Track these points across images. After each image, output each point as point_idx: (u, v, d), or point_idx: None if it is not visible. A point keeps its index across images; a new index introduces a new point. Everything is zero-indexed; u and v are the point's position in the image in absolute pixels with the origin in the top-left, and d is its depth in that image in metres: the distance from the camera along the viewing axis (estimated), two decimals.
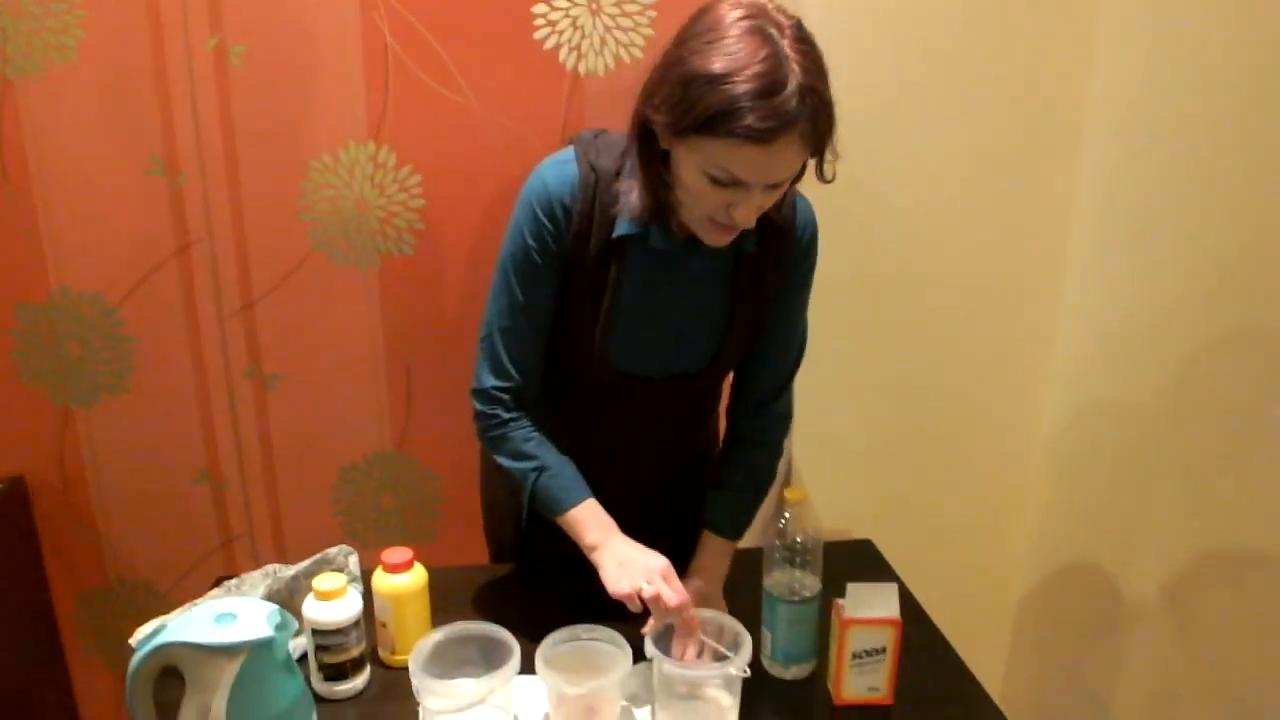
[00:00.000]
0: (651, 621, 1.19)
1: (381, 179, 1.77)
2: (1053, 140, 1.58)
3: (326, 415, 1.91)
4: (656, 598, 1.15)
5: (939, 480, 1.73)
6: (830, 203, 1.54)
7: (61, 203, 1.72)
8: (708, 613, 1.22)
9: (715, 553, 1.38)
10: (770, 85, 1.01)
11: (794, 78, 1.02)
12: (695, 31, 1.07)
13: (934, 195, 1.58)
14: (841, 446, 1.70)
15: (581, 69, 1.73)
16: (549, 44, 1.73)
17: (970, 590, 1.77)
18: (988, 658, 1.80)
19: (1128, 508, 1.48)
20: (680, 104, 1.05)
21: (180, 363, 1.85)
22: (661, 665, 1.15)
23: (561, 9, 1.71)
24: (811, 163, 1.15)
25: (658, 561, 1.20)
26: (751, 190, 1.09)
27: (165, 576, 1.96)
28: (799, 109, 1.02)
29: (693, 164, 1.09)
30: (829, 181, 1.16)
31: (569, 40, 1.72)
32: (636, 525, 1.28)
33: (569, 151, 1.28)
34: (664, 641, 1.19)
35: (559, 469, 1.30)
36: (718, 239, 1.17)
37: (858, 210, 1.56)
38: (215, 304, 1.81)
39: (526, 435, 1.31)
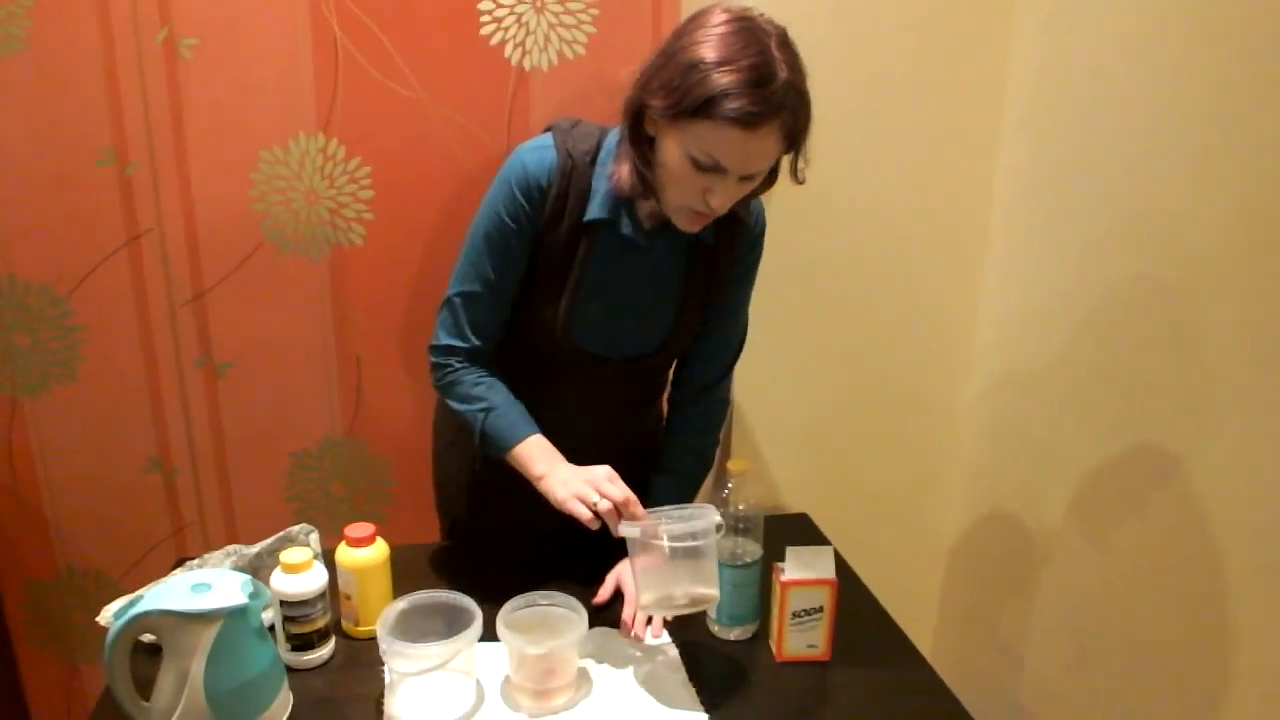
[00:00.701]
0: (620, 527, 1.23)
1: (331, 170, 1.81)
2: (973, 139, 1.68)
3: (278, 403, 1.94)
4: (611, 509, 1.21)
5: (870, 456, 1.83)
6: (770, 194, 1.64)
7: (9, 192, 1.73)
8: (668, 507, 1.27)
9: None
10: (761, 76, 1.12)
11: (782, 72, 1.13)
12: (692, 28, 1.18)
13: (866, 188, 1.68)
14: (779, 426, 1.78)
15: (526, 64, 1.79)
16: (495, 39, 1.78)
17: (900, 559, 1.88)
18: (918, 620, 1.91)
19: (1041, 472, 1.59)
20: (680, 87, 1.15)
21: (130, 352, 1.86)
22: (634, 533, 1.21)
23: (507, 6, 1.76)
24: (787, 169, 1.25)
25: (600, 470, 1.27)
26: (729, 178, 1.19)
27: (116, 565, 1.97)
28: (784, 100, 1.13)
29: (679, 148, 1.18)
30: (801, 183, 1.27)
31: (514, 36, 1.78)
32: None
33: (547, 138, 1.36)
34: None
35: (506, 409, 1.37)
36: (691, 225, 1.27)
37: (796, 202, 1.65)
38: (166, 294, 1.83)
39: (476, 380, 1.39)
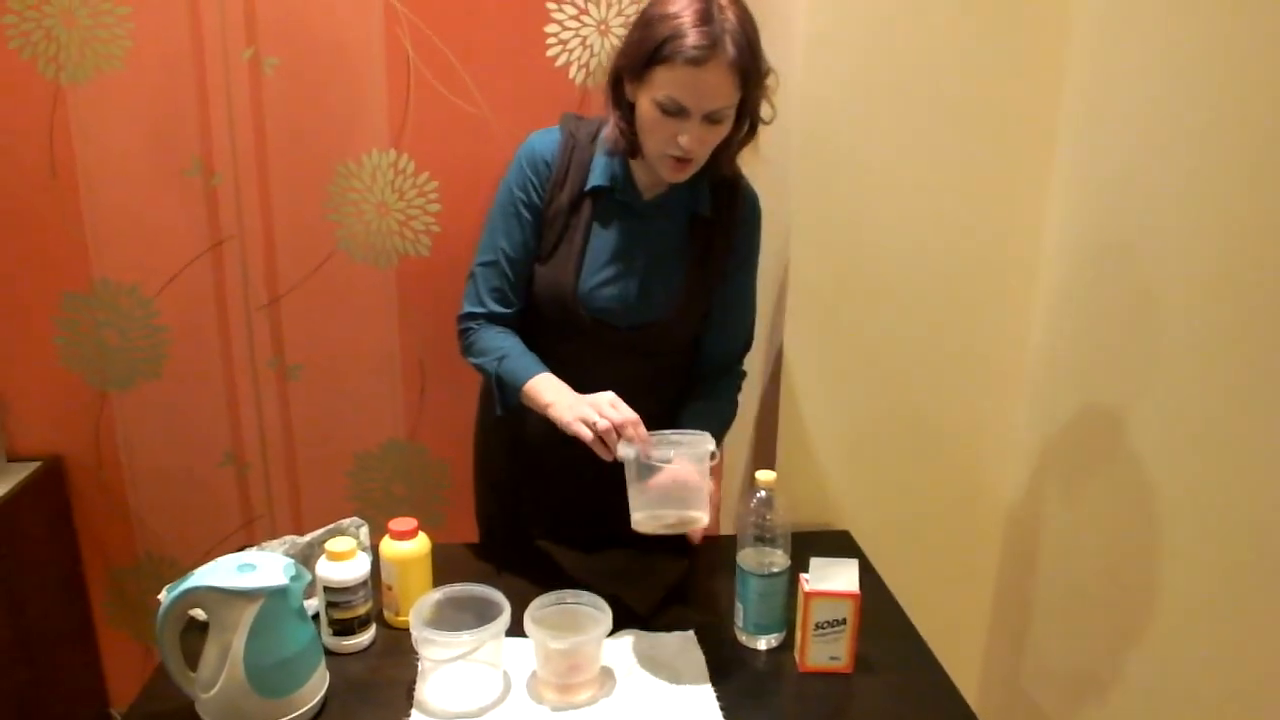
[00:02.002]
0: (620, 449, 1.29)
1: (401, 184, 1.90)
2: (1026, 152, 1.66)
3: (344, 404, 2.03)
4: (609, 428, 1.28)
5: (916, 475, 1.81)
6: (815, 211, 1.66)
7: (105, 200, 1.86)
8: (667, 432, 1.32)
9: None
10: (701, 17, 1.27)
11: (722, 14, 1.28)
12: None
13: (912, 203, 1.67)
14: (823, 443, 1.79)
15: (590, 84, 1.86)
16: (559, 61, 1.85)
17: (947, 580, 1.86)
18: (965, 646, 1.89)
19: (1099, 494, 1.56)
20: (639, 42, 1.32)
21: (209, 352, 1.98)
22: (630, 453, 1.27)
23: (572, 29, 1.83)
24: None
25: (604, 395, 1.33)
26: (693, 119, 1.31)
27: (190, 554, 2.08)
28: (725, 36, 1.27)
29: (647, 99, 1.33)
30: (767, 123, 1.41)
31: (578, 58, 1.85)
32: (604, 476, 1.36)
33: (555, 125, 1.52)
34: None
35: (518, 354, 1.47)
36: (674, 173, 1.39)
37: (840, 217, 1.67)
38: (243, 297, 1.95)
39: (490, 332, 1.51)
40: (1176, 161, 1.36)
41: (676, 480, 1.28)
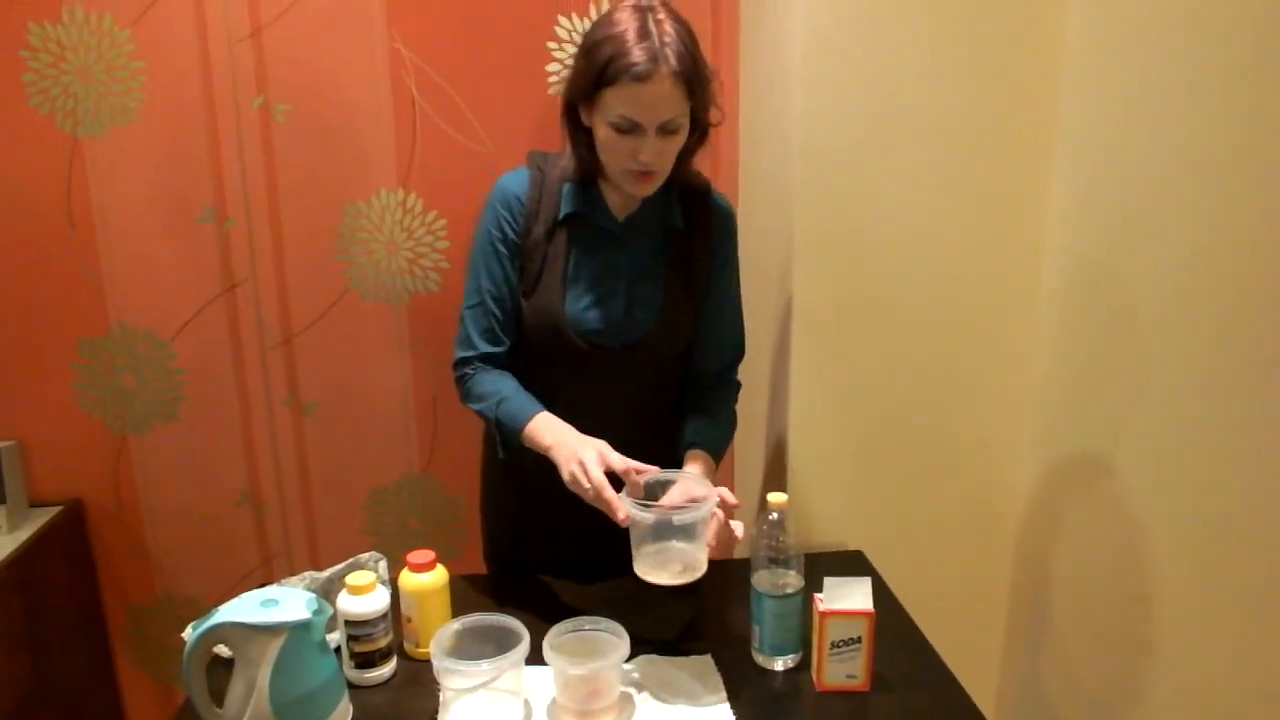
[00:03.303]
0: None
1: (410, 223, 1.94)
2: (1024, 167, 1.69)
3: (359, 441, 2.06)
4: (595, 497, 1.31)
5: (926, 492, 1.83)
6: (815, 231, 1.69)
7: (121, 247, 1.90)
8: (670, 474, 1.37)
9: (699, 468, 1.50)
10: (641, 32, 1.33)
11: (660, 28, 1.34)
12: (594, 26, 1.42)
13: (913, 221, 1.69)
14: (833, 464, 1.80)
15: None
16: None
17: (961, 597, 1.87)
18: (982, 662, 1.90)
19: (1108, 511, 1.57)
20: (585, 69, 1.38)
21: (225, 393, 2.01)
22: (634, 512, 1.29)
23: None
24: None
25: (588, 453, 1.34)
26: (647, 133, 1.36)
27: (210, 593, 2.10)
28: (665, 49, 1.32)
29: (601, 122, 1.38)
30: (716, 125, 1.46)
31: None
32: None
33: (521, 165, 1.56)
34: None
35: (515, 395, 1.49)
36: (638, 186, 1.44)
37: (840, 237, 1.69)
38: (258, 338, 1.98)
39: (487, 377, 1.52)
40: (1173, 176, 1.39)
41: (679, 547, 1.32)
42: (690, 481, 1.39)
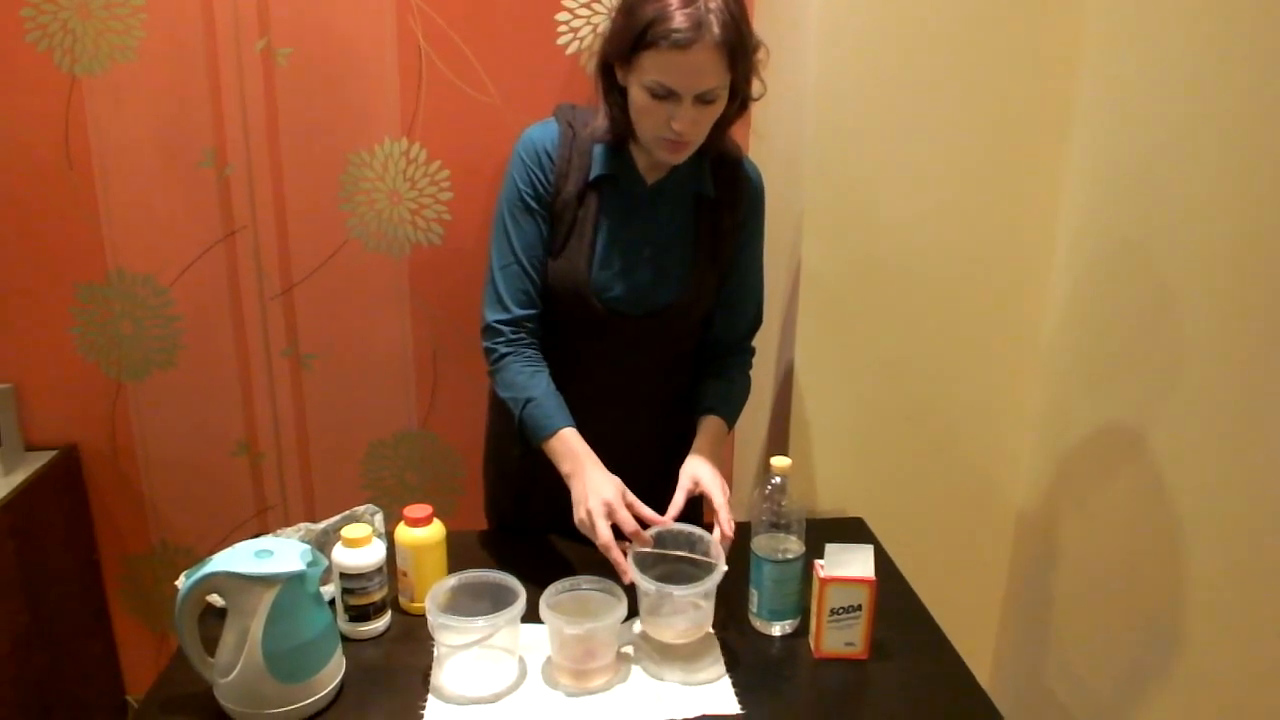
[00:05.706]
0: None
1: (413, 173, 1.91)
2: (1040, 145, 1.66)
3: (357, 393, 2.04)
4: (607, 554, 1.29)
5: (929, 463, 1.82)
6: (827, 201, 1.66)
7: (120, 191, 1.87)
8: (681, 527, 1.35)
9: (710, 436, 1.50)
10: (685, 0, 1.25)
11: None
12: None
13: (925, 194, 1.67)
14: (836, 431, 1.79)
15: None
16: (570, 49, 1.85)
17: (962, 566, 1.86)
18: (978, 633, 1.90)
19: (1112, 486, 1.56)
20: (625, 29, 1.30)
21: (223, 342, 1.99)
22: (641, 583, 1.27)
23: (583, 17, 1.83)
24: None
25: (596, 504, 1.32)
26: (684, 101, 1.29)
27: (204, 542, 2.10)
28: (710, 16, 1.24)
29: (637, 84, 1.32)
30: (756, 99, 1.39)
31: (589, 45, 1.85)
32: (619, 467, 1.39)
33: (550, 117, 1.49)
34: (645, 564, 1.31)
35: (544, 400, 1.44)
36: (670, 154, 1.38)
37: (852, 208, 1.67)
38: (257, 287, 1.95)
39: (521, 368, 1.46)
40: (1192, 155, 1.36)
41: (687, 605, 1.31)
42: (697, 529, 1.36)
